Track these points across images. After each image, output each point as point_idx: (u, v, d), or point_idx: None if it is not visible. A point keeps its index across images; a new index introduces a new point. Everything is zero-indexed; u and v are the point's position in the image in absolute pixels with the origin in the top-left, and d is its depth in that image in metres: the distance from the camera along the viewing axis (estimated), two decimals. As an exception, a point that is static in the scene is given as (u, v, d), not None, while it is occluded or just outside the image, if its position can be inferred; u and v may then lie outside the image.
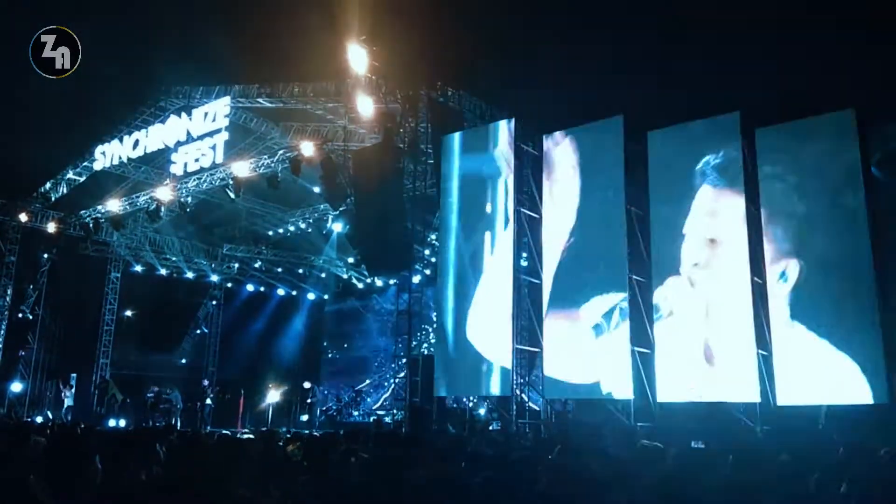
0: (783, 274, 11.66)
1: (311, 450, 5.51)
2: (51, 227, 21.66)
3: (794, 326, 11.48)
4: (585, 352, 12.90)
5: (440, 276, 14.82)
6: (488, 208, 14.25)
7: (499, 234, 14.02)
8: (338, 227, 20.79)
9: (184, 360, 25.62)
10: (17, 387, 21.63)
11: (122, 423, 19.40)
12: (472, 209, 14.53)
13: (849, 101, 11.83)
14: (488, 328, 13.78)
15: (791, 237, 11.79)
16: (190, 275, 25.06)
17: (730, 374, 11.65)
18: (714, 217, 12.25)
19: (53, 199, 21.76)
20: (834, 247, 11.42)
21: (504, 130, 14.37)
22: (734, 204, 12.15)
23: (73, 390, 21.53)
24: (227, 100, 17.56)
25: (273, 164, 17.41)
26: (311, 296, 27.79)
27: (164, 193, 19.12)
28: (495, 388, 13.65)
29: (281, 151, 17.46)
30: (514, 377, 13.59)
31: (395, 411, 16.50)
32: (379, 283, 25.56)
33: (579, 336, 13.04)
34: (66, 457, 3.48)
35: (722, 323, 11.83)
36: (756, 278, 11.90)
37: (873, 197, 11.39)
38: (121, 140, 19.37)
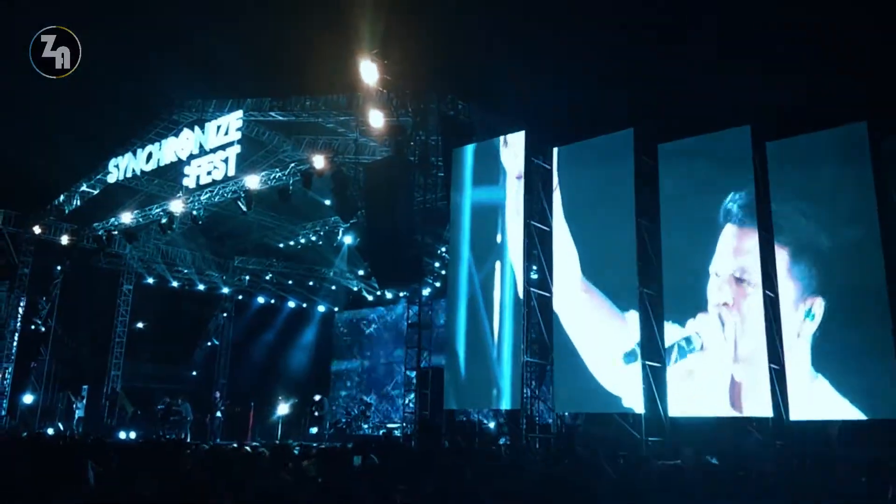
0: (809, 312, 11.48)
1: (324, 464, 5.51)
2: (64, 240, 21.85)
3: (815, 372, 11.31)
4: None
5: (450, 289, 14.77)
6: (498, 235, 14.14)
7: (510, 249, 13.99)
8: (348, 240, 20.86)
9: (194, 373, 25.69)
10: (28, 398, 21.75)
11: (133, 434, 19.46)
12: (482, 227, 14.43)
13: (862, 114, 11.59)
14: (498, 340, 13.74)
15: (814, 273, 11.50)
16: (201, 287, 25.20)
17: (746, 392, 11.55)
18: (740, 256, 12.05)
19: (67, 211, 21.97)
20: (849, 279, 11.22)
21: (514, 143, 14.37)
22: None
23: (85, 402, 21.61)
24: (239, 113, 17.71)
25: (285, 177, 17.51)
26: (321, 308, 27.86)
27: (176, 206, 19.26)
28: (505, 402, 13.59)
29: (293, 164, 17.56)
30: (524, 390, 13.52)
31: (404, 424, 16.44)
32: (389, 295, 25.59)
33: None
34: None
35: (748, 357, 11.70)
36: (768, 292, 11.82)
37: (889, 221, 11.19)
38: (134, 153, 19.55)
